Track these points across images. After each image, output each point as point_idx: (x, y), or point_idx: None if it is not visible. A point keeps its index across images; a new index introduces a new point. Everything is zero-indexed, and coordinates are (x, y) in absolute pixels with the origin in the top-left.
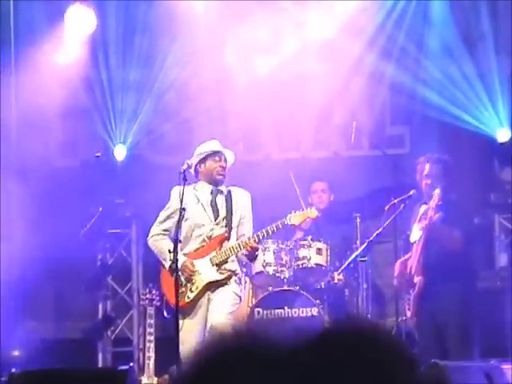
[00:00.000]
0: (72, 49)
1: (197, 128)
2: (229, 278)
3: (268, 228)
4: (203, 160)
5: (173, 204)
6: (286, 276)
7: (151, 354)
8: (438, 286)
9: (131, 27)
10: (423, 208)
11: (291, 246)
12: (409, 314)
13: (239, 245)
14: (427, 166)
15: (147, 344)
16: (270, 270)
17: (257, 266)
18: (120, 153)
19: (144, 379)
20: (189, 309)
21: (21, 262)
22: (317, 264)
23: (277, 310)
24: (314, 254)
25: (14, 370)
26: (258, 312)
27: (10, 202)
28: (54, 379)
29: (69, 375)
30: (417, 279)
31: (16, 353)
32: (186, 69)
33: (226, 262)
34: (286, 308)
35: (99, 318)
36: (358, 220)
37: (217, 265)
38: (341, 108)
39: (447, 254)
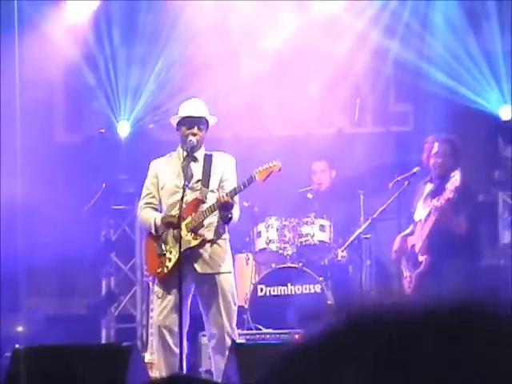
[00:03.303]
0: (76, 24)
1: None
2: (202, 243)
3: (236, 186)
4: (179, 123)
5: (148, 179)
6: (289, 253)
7: None
8: (442, 265)
9: (135, 3)
10: (429, 187)
11: (294, 223)
12: (409, 291)
13: (213, 205)
14: (436, 145)
15: (150, 320)
16: (273, 246)
17: (260, 243)
18: (124, 129)
19: (147, 355)
20: (169, 280)
21: (24, 238)
22: (320, 241)
23: (280, 287)
24: (317, 231)
25: (17, 345)
26: (261, 289)
27: (14, 177)
28: (57, 355)
29: (72, 351)
30: (422, 258)
31: (20, 329)
32: (189, 45)
33: (202, 225)
34: (289, 285)
35: (103, 295)
36: (362, 197)
37: (192, 231)
38: (345, 85)
39: (452, 235)
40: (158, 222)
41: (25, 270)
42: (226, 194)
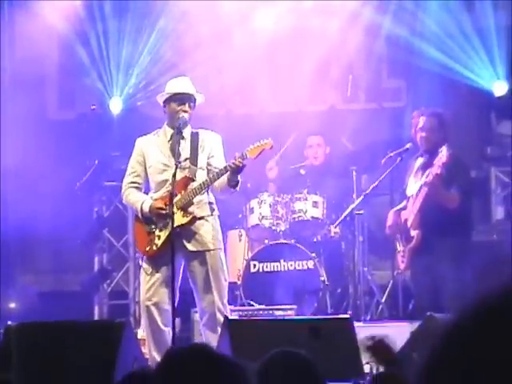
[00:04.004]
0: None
1: (193, 81)
2: (193, 221)
3: (226, 164)
4: (167, 100)
5: (133, 157)
6: (282, 229)
7: None
8: (435, 240)
9: None
10: (419, 161)
11: (287, 199)
12: (402, 266)
13: (204, 183)
14: (422, 119)
15: None
16: (266, 223)
17: (253, 219)
18: (116, 105)
19: (140, 332)
20: (158, 258)
21: (17, 215)
22: (313, 217)
23: (273, 263)
24: (310, 207)
25: (10, 322)
26: (254, 265)
27: (6, 154)
28: (50, 331)
29: (65, 327)
30: (414, 233)
31: (13, 305)
32: (181, 22)
33: (192, 203)
34: (281, 261)
35: (95, 271)
36: (355, 173)
37: (182, 209)
38: (337, 61)
39: (444, 209)
40: (146, 209)
41: (18, 246)
42: (240, 158)
